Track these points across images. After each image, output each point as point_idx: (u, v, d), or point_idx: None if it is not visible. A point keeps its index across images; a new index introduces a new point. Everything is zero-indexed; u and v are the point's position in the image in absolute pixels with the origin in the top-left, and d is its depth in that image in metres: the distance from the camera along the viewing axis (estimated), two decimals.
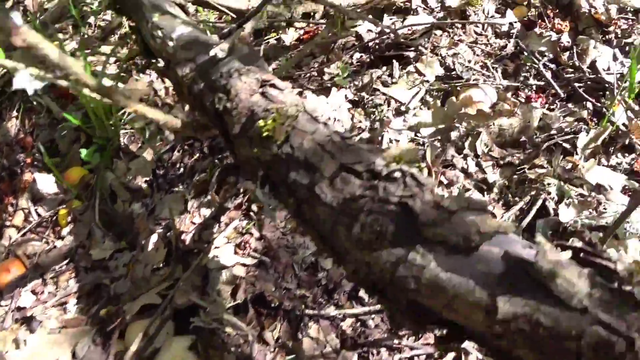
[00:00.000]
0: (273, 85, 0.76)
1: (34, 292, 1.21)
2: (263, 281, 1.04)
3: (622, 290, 0.51)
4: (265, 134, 0.67)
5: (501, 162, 1.30)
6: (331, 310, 0.99)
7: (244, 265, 1.08)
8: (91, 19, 2.18)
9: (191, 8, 1.82)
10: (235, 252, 1.10)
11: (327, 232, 0.63)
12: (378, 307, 0.98)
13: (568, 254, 0.53)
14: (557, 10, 1.91)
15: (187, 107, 1.35)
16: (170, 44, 1.07)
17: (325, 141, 0.64)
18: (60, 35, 2.15)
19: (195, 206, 1.23)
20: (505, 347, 0.55)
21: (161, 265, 1.21)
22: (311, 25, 1.79)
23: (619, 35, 1.83)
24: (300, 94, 1.58)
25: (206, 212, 1.21)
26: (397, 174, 0.56)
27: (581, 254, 0.59)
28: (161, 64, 1.28)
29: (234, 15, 1.63)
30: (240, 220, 1.17)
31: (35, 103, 1.70)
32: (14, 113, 1.73)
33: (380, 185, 0.56)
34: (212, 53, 0.87)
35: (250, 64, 0.86)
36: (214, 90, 0.83)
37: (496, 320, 0.50)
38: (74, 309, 1.14)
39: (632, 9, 1.94)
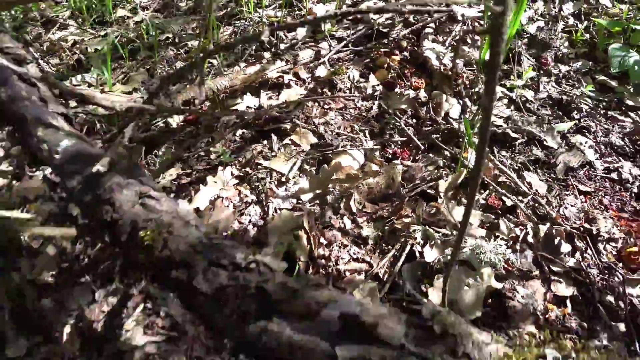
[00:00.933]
0: (150, 196, 0.92)
1: None
2: (175, 354, 1.16)
3: (428, 327, 0.70)
4: (148, 243, 0.82)
5: (374, 216, 1.51)
6: None
7: (154, 342, 1.20)
8: None
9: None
10: (145, 333, 1.21)
11: (208, 315, 0.78)
12: None
13: (386, 307, 0.72)
14: (414, 69, 2.22)
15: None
16: (57, 156, 1.19)
17: (197, 243, 0.80)
18: None
19: (103, 295, 1.33)
20: None
21: (77, 353, 1.29)
22: (193, 108, 1.96)
23: (467, 86, 2.16)
24: (189, 175, 1.73)
25: (113, 300, 1.31)
26: (253, 265, 0.74)
27: (403, 303, 0.78)
28: (48, 170, 1.40)
29: (118, 110, 1.77)
30: (146, 303, 1.29)
31: None
32: None
33: (241, 275, 0.73)
34: (94, 170, 1.01)
35: (131, 177, 1.01)
36: (101, 203, 0.97)
37: None
38: None
39: (475, 61, 2.29)
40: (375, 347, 0.68)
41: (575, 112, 2.11)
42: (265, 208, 1.53)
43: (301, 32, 2.47)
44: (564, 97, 2.16)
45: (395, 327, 0.69)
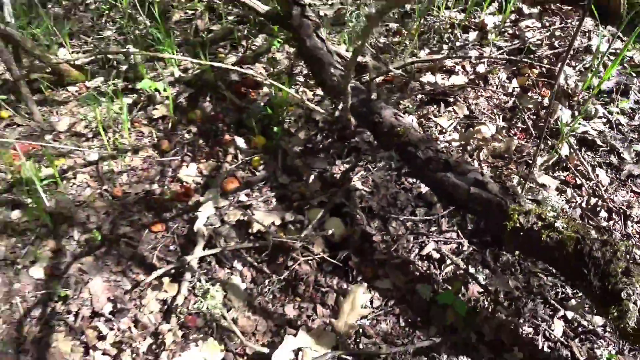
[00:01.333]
0: (399, 115, 2.11)
1: (247, 194, 2.54)
2: (372, 200, 2.38)
3: (508, 192, 1.84)
4: (400, 133, 2.01)
5: (492, 165, 2.63)
6: (402, 216, 2.33)
7: (364, 191, 2.42)
8: (243, 42, 3.55)
9: None
10: (362, 184, 2.44)
11: (419, 170, 1.97)
12: (424, 218, 2.32)
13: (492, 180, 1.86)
14: (545, 82, 3.24)
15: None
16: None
17: (421, 138, 1.98)
18: (221, 50, 3.51)
19: (340, 163, 2.58)
20: (473, 207, 1.87)
21: (318, 189, 2.54)
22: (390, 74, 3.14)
23: (580, 103, 3.15)
24: None
25: (346, 166, 2.55)
26: (445, 150, 1.91)
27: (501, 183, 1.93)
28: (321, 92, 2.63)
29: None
30: (363, 172, 2.52)
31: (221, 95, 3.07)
32: (207, 99, 3.08)
33: (439, 154, 1.91)
34: (372, 97, 2.21)
35: (387, 104, 2.20)
36: (372, 113, 2.17)
37: (470, 194, 1.83)
38: (275, 203, 2.48)
39: (593, 86, 3.26)
40: (485, 192, 1.82)
41: None
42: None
43: (472, 35, 3.55)
44: None
45: (495, 186, 1.83)
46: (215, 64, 2.27)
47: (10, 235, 2.47)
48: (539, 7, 4.00)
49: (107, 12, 3.90)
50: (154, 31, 3.32)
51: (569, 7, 3.97)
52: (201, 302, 2.07)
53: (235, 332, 1.97)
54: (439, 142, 2.69)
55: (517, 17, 3.84)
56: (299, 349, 1.90)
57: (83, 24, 3.86)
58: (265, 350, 1.94)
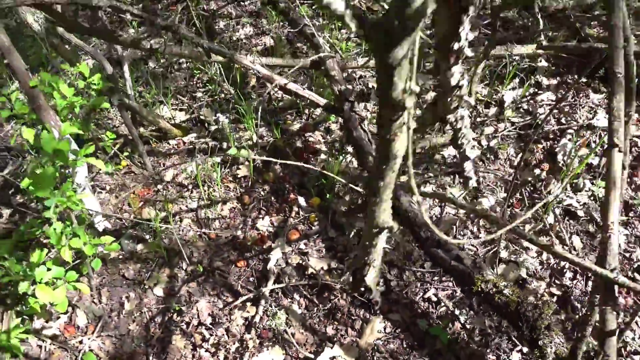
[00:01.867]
0: (412, 202, 3.27)
1: (305, 244, 3.76)
2: (393, 254, 3.56)
3: (476, 266, 2.99)
4: (410, 217, 3.18)
5: (487, 230, 3.75)
6: (413, 268, 3.50)
7: (388, 248, 3.60)
8: (306, 111, 4.77)
9: None
10: (386, 243, 3.62)
11: (421, 243, 3.14)
12: (430, 270, 3.48)
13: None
14: (548, 156, 4.30)
15: None
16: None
17: (424, 222, 3.15)
18: (289, 117, 4.74)
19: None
20: (454, 274, 3.03)
21: (356, 243, 3.74)
22: None
23: (571, 177, 4.20)
24: None
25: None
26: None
27: None
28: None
29: None
30: (388, 233, 3.70)
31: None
32: (278, 164, 4.33)
33: (434, 235, 3.07)
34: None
35: (403, 191, 3.37)
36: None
37: (451, 266, 2.98)
38: (324, 252, 3.69)
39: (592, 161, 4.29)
40: (461, 264, 2.97)
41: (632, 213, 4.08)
42: (442, 205, 3.83)
43: (492, 111, 4.64)
44: (630, 201, 4.12)
45: (469, 260, 2.97)
46: (296, 164, 3.49)
47: (136, 262, 3.78)
48: (557, 78, 5.05)
49: (197, 74, 5.19)
50: (238, 106, 4.57)
51: (584, 80, 4.99)
52: (271, 320, 3.31)
53: (293, 342, 3.20)
54: (445, 213, 3.85)
55: (536, 90, 4.90)
56: (334, 357, 3.11)
57: (178, 84, 5.17)
58: (312, 356, 3.16)
